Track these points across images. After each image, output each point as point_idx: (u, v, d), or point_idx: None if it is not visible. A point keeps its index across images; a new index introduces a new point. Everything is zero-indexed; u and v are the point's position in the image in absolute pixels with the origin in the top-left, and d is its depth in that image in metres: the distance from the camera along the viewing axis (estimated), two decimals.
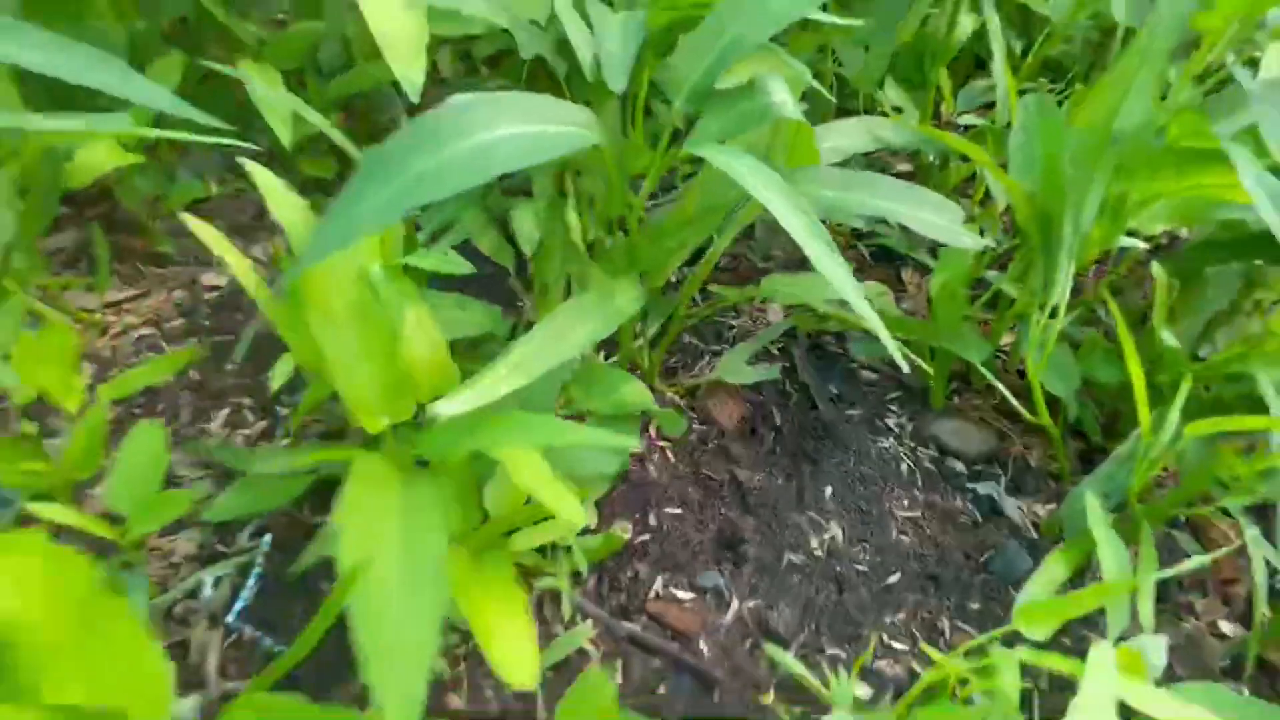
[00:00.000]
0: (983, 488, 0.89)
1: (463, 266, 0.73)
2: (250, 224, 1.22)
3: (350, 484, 0.49)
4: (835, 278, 0.51)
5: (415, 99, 0.87)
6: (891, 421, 0.95)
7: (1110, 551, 0.65)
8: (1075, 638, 0.76)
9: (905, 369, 0.59)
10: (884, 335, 0.54)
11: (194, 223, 0.67)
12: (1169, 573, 0.65)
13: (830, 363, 1.01)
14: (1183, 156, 0.71)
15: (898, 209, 0.67)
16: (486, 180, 0.51)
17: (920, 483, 0.89)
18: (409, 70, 0.91)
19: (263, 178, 0.64)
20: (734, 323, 1.05)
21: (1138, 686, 0.54)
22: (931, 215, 0.68)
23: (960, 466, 0.91)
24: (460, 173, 0.50)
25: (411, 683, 0.42)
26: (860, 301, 0.52)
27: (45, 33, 0.61)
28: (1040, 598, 0.68)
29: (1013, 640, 0.64)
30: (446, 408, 0.54)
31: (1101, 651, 0.54)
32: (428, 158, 0.50)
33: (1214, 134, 0.71)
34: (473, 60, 1.36)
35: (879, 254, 1.18)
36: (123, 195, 1.09)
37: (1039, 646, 0.67)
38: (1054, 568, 0.71)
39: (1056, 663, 0.56)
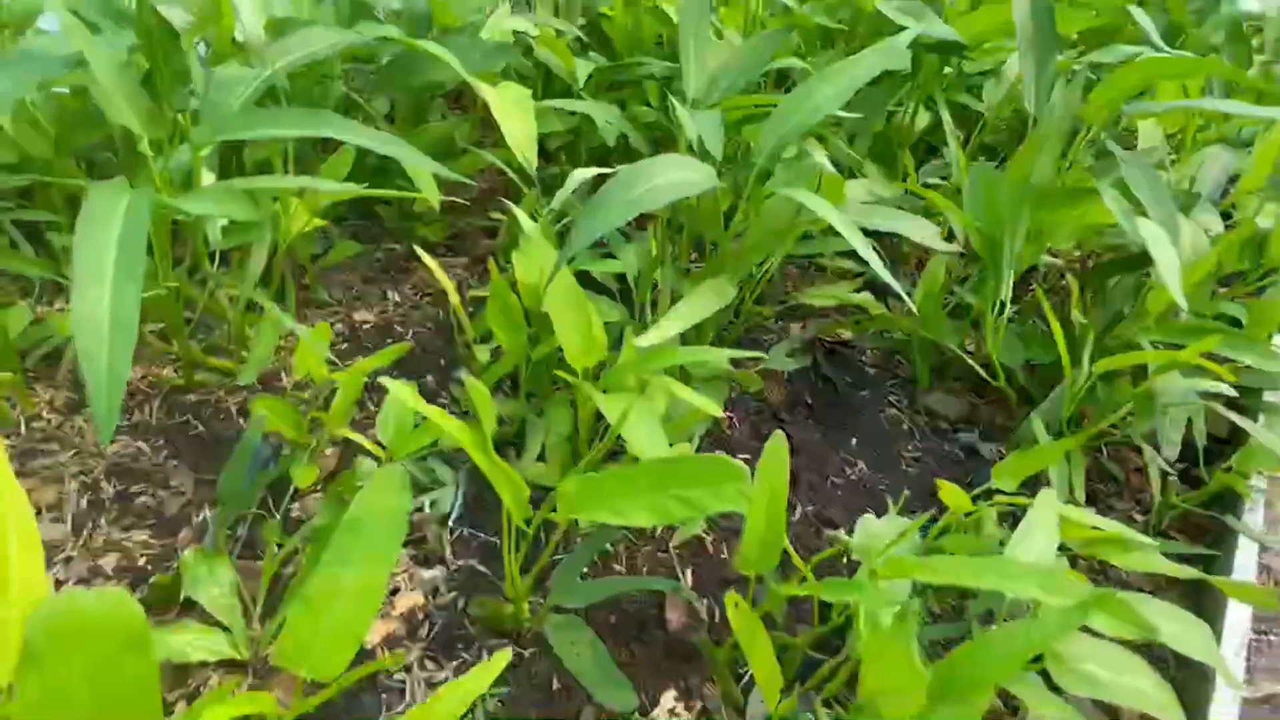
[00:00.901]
0: (963, 437, 1.23)
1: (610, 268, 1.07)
2: (379, 276, 1.55)
3: None
4: (868, 255, 0.87)
5: (532, 171, 1.23)
6: (893, 398, 1.30)
7: (1046, 439, 0.98)
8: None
9: (898, 288, 0.93)
10: (882, 270, 0.88)
11: (426, 257, 1.01)
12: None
13: (843, 360, 1.36)
14: (1074, 195, 1.09)
15: (899, 226, 1.03)
16: (664, 204, 0.86)
17: (918, 435, 1.23)
18: (528, 152, 1.28)
19: (521, 216, 0.98)
20: (771, 330, 1.40)
21: (1068, 508, 0.87)
22: (920, 230, 1.04)
23: (945, 425, 1.25)
24: (652, 199, 0.85)
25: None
26: (880, 267, 0.87)
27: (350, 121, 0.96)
28: (1007, 468, 1.01)
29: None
30: (644, 340, 0.87)
31: (1047, 492, 0.87)
32: (629, 191, 0.85)
33: (1093, 180, 1.09)
34: (545, 149, 1.74)
35: (879, 288, 1.55)
36: (299, 249, 1.41)
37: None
38: (1014, 459, 1.04)
39: (1021, 501, 0.89)
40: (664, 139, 1.47)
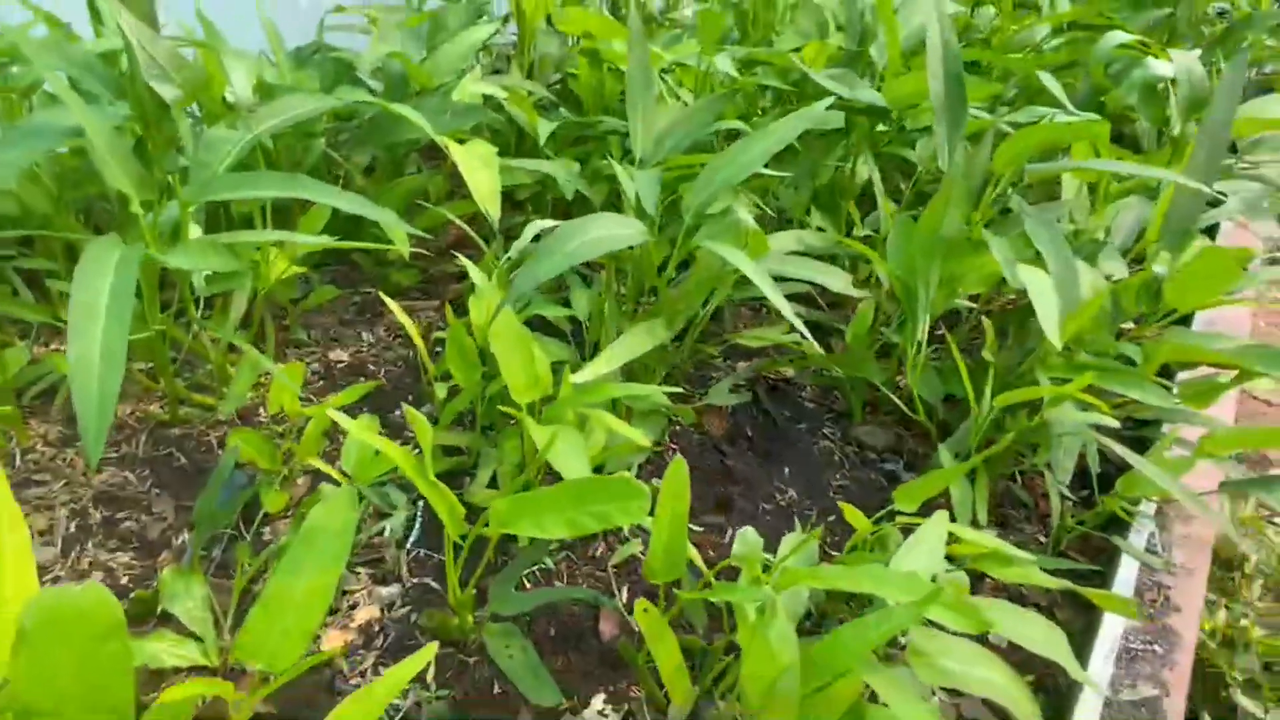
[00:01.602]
0: (888, 466, 1.33)
1: (561, 313, 1.17)
2: (355, 318, 1.66)
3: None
4: (779, 303, 0.98)
5: (495, 223, 1.35)
6: (826, 430, 1.40)
7: (951, 464, 1.08)
8: None
9: (805, 334, 1.03)
10: (794, 320, 0.99)
11: (391, 303, 1.12)
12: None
13: (782, 396, 1.47)
14: (977, 245, 1.21)
15: (813, 275, 1.15)
16: (598, 255, 0.97)
17: (847, 465, 1.33)
18: (490, 206, 1.39)
19: (474, 272, 1.09)
20: (719, 368, 1.50)
21: (957, 526, 0.96)
22: (832, 279, 1.16)
23: (873, 455, 1.36)
24: (586, 251, 0.96)
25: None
26: (789, 312, 0.98)
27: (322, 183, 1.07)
28: (908, 491, 1.10)
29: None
30: (579, 377, 0.98)
31: (941, 514, 0.97)
32: (569, 243, 0.96)
33: (994, 232, 1.21)
34: (515, 199, 1.87)
35: (814, 327, 1.66)
36: (279, 294, 1.52)
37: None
38: (914, 483, 1.13)
39: (919, 521, 0.99)
40: (621, 193, 1.60)
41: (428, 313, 1.67)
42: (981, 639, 0.79)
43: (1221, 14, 2.81)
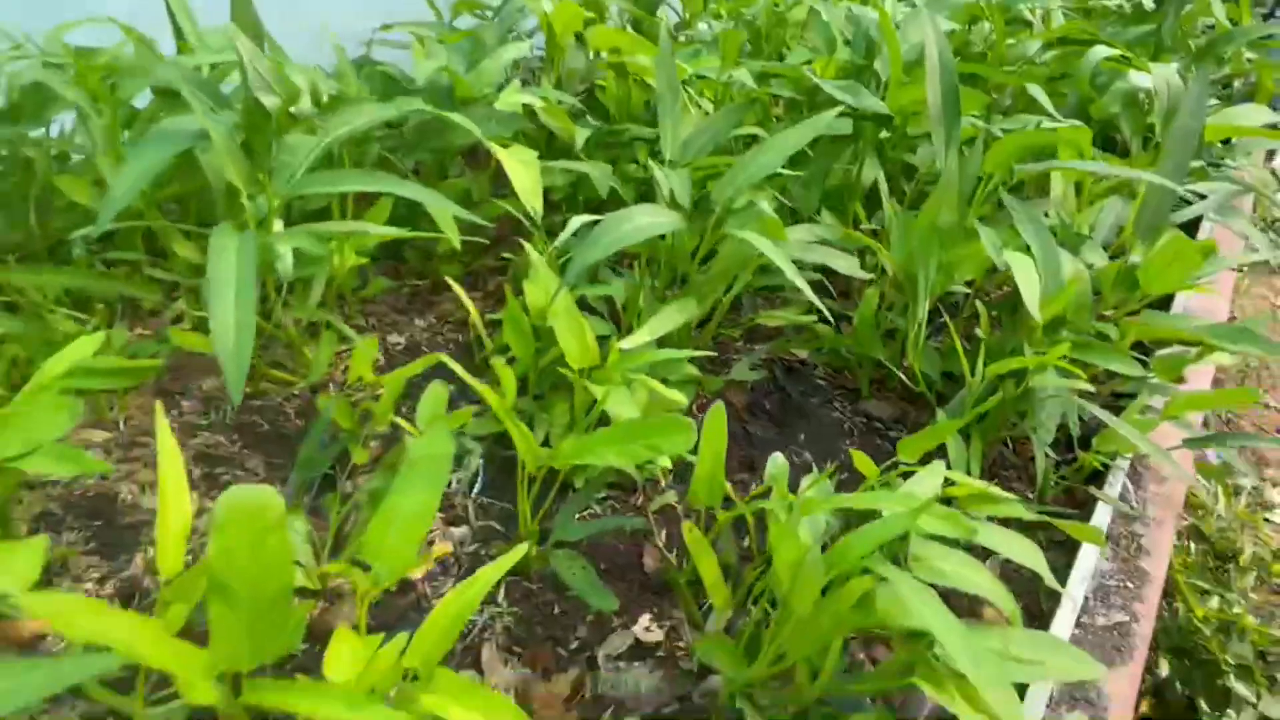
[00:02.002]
0: (893, 434, 1.48)
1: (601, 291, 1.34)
2: (406, 308, 1.82)
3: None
4: (797, 280, 1.13)
5: (538, 218, 1.51)
6: (837, 404, 1.56)
7: (944, 416, 1.24)
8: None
9: (820, 306, 1.20)
10: (810, 294, 1.15)
11: (456, 286, 1.28)
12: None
13: (797, 374, 1.62)
14: (970, 235, 1.37)
15: (824, 259, 1.31)
16: (642, 239, 1.13)
17: (856, 433, 1.48)
18: (534, 202, 1.55)
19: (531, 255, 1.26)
20: (739, 350, 1.66)
21: (952, 472, 1.12)
22: (840, 262, 1.32)
23: (880, 425, 1.51)
24: (634, 235, 1.12)
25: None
26: (806, 288, 1.14)
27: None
28: (909, 444, 1.25)
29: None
30: (627, 343, 1.14)
31: (938, 463, 1.12)
32: (619, 229, 1.12)
33: (987, 223, 1.37)
34: (549, 199, 2.03)
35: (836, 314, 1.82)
36: (343, 283, 1.68)
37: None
38: (915, 436, 1.28)
39: (919, 469, 1.14)
40: (648, 191, 1.76)
41: (476, 299, 1.83)
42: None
43: (1209, 28, 2.98)
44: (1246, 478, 1.81)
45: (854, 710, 0.92)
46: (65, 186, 1.53)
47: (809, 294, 1.14)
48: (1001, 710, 0.73)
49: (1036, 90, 1.66)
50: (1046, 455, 1.31)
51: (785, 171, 1.40)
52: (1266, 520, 1.96)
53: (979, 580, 0.88)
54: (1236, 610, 1.50)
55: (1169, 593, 1.56)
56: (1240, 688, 1.43)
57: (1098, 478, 1.36)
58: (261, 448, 1.37)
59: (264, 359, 1.55)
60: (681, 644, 1.07)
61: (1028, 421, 1.37)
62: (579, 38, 2.21)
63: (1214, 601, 1.55)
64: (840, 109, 1.39)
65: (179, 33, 1.67)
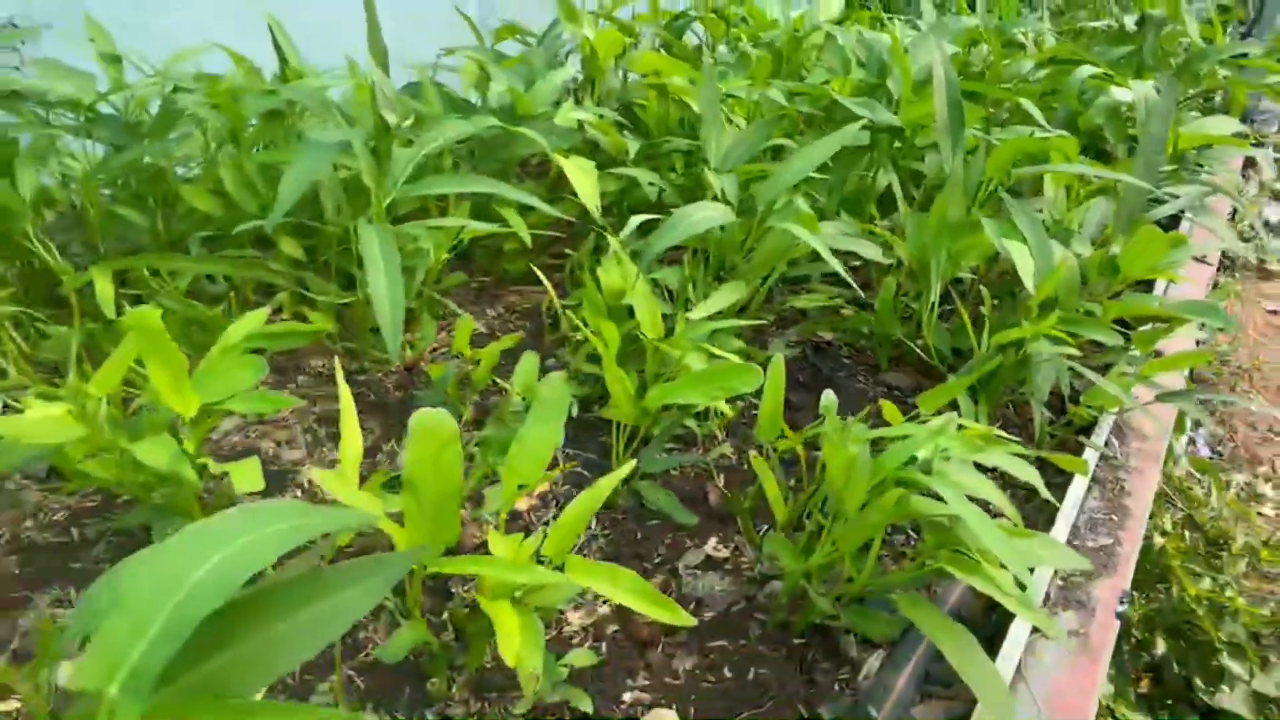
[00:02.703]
0: (911, 402, 1.72)
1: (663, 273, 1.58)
2: (476, 299, 2.06)
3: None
4: (830, 259, 1.37)
5: (599, 218, 1.75)
6: (860, 378, 1.79)
7: (955, 378, 1.47)
8: None
9: (854, 285, 1.43)
10: (841, 270, 1.39)
11: (541, 275, 1.52)
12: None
13: (825, 353, 1.86)
14: (974, 227, 1.61)
15: (852, 246, 1.55)
16: (702, 230, 1.37)
17: (878, 401, 1.72)
18: (593, 202, 1.79)
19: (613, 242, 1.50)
20: (774, 332, 1.90)
21: (963, 419, 1.35)
22: (866, 249, 1.56)
23: (899, 394, 1.75)
24: (696, 226, 1.36)
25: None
26: (838, 264, 1.37)
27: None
28: (927, 398, 1.48)
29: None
30: (695, 314, 1.37)
31: (951, 413, 1.36)
32: (683, 222, 1.36)
33: (988, 217, 1.61)
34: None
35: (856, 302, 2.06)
36: (427, 275, 1.92)
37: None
38: (931, 392, 1.51)
39: (935, 419, 1.37)
40: (691, 195, 2.00)
41: (535, 295, 2.08)
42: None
43: (1185, 47, 3.24)
44: (1202, 429, 2.02)
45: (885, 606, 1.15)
46: (187, 194, 1.77)
47: (843, 273, 1.38)
48: (1022, 578, 0.96)
49: (1029, 104, 1.90)
50: (1041, 412, 1.55)
51: (815, 176, 1.64)
52: (1259, 514, 2.17)
53: (988, 491, 1.11)
54: (1229, 592, 1.68)
55: (1163, 577, 1.75)
56: (1234, 666, 1.58)
57: (1085, 434, 1.59)
58: (372, 414, 1.61)
59: (368, 341, 1.79)
60: (744, 559, 1.30)
61: (1026, 386, 1.61)
62: (617, 61, 2.47)
63: (1206, 583, 1.73)
64: (861, 122, 1.63)
65: (283, 61, 1.92)
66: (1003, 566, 1.06)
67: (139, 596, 0.63)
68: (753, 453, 1.20)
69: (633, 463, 1.07)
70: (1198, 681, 1.61)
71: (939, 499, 1.04)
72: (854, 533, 1.06)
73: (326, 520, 0.75)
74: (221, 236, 1.86)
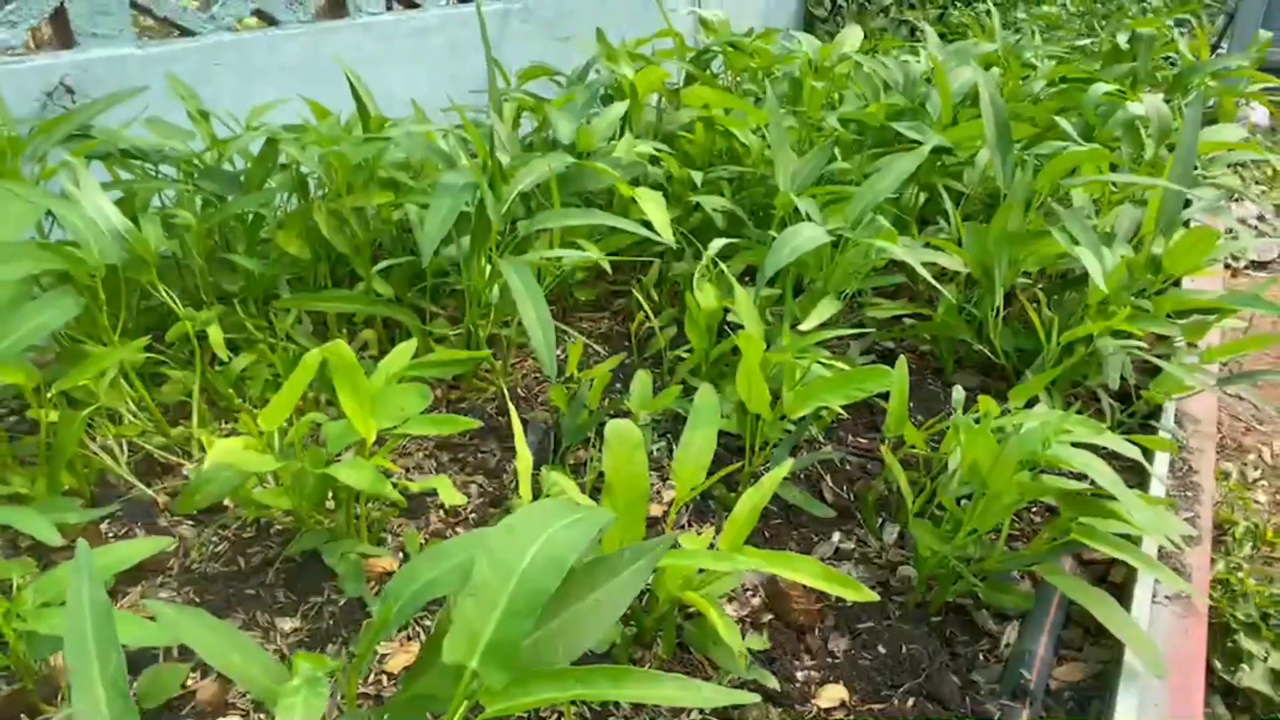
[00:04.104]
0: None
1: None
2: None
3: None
4: (916, 265, 1.50)
5: (671, 244, 1.86)
6: (929, 380, 1.92)
7: (1035, 374, 1.60)
8: None
9: (942, 290, 1.56)
10: (928, 276, 1.52)
11: (642, 299, 1.63)
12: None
13: (892, 359, 1.98)
14: (1035, 236, 1.75)
15: (929, 258, 1.68)
16: (805, 252, 1.49)
17: (950, 401, 1.84)
18: (666, 233, 1.91)
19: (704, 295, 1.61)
20: (834, 344, 2.02)
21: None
22: (943, 258, 1.69)
23: (968, 394, 1.87)
24: (801, 248, 1.48)
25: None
26: (922, 268, 1.50)
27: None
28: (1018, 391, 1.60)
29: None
30: (804, 326, 1.49)
31: (1042, 406, 1.48)
32: (790, 244, 1.48)
33: (1048, 225, 1.75)
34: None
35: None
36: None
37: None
38: (1020, 387, 1.63)
39: (1036, 410, 1.49)
40: (738, 220, 2.12)
41: (604, 319, 2.18)
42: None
43: (1170, 61, 3.46)
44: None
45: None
46: (280, 240, 1.86)
47: (929, 279, 1.51)
48: (1158, 536, 1.07)
49: (1063, 122, 2.06)
50: (1111, 402, 1.68)
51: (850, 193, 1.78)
52: (1256, 502, 2.32)
53: (1102, 470, 1.23)
54: (1239, 574, 1.81)
55: None
56: (1251, 645, 1.68)
57: (1151, 417, 1.73)
58: (484, 439, 1.69)
59: (466, 371, 1.87)
60: (869, 549, 1.41)
61: (1091, 378, 1.74)
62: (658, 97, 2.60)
63: (1220, 565, 1.84)
64: (932, 144, 1.77)
65: (363, 110, 2.02)
66: (1127, 539, 1.19)
67: (484, 584, 0.72)
68: (883, 447, 1.31)
69: (790, 462, 1.18)
70: (1216, 662, 1.71)
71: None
72: (993, 512, 1.17)
73: (596, 518, 0.84)
74: (303, 279, 1.95)
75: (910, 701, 1.15)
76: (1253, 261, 3.59)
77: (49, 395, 1.37)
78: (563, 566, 0.73)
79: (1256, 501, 2.34)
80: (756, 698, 0.77)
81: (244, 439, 1.23)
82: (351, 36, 2.74)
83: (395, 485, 1.25)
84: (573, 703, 1.09)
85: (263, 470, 1.16)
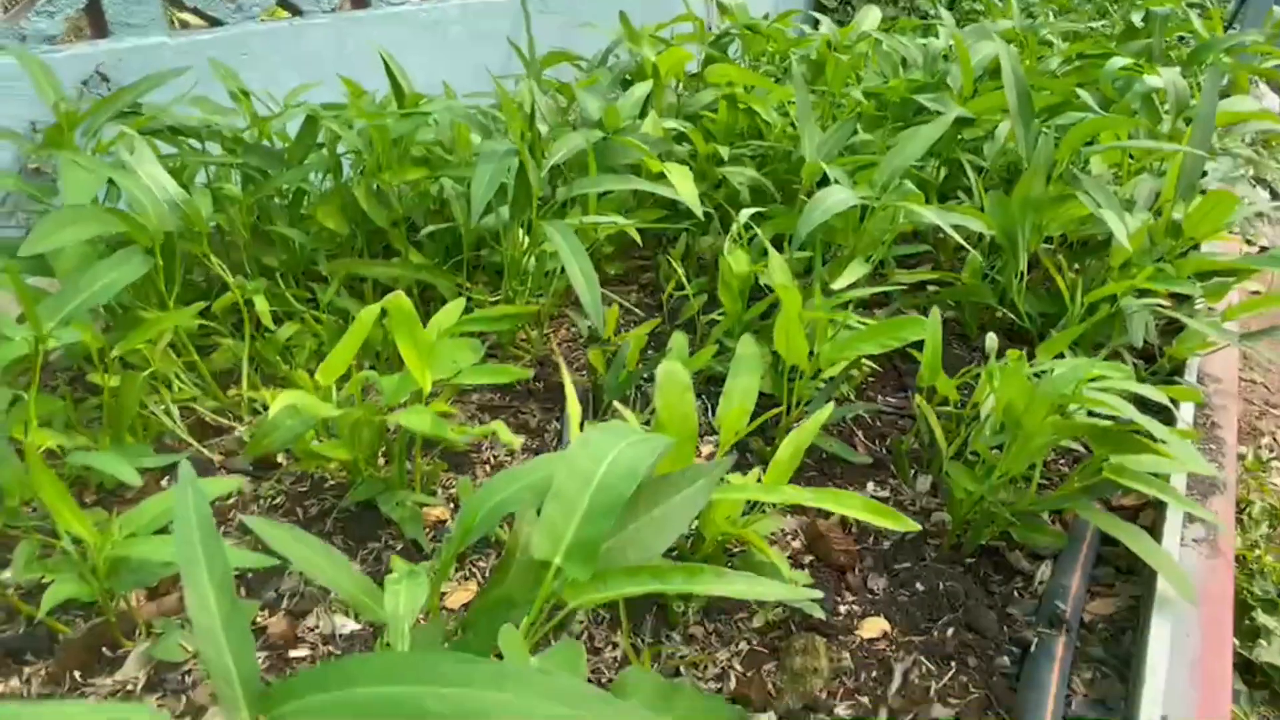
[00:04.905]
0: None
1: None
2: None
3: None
4: (944, 225, 1.54)
5: (700, 216, 1.91)
6: (954, 344, 1.96)
7: (1059, 332, 1.64)
8: None
9: (972, 251, 1.61)
10: (957, 237, 1.56)
11: (675, 265, 1.68)
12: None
13: None
14: (1058, 200, 1.79)
15: (956, 220, 1.73)
16: (836, 213, 1.54)
17: (973, 361, 1.89)
18: (693, 204, 1.95)
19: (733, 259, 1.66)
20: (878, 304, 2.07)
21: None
22: (970, 222, 1.74)
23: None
24: (832, 209, 1.53)
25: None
26: (956, 235, 1.54)
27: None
28: (1045, 348, 1.64)
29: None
30: (837, 285, 1.53)
31: (1071, 356, 1.52)
32: (820, 206, 1.53)
33: (1070, 189, 1.79)
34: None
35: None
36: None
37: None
38: (1046, 343, 1.68)
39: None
40: (761, 194, 2.17)
41: (633, 293, 2.23)
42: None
43: (1182, 39, 3.49)
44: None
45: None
46: (320, 214, 1.92)
47: (959, 240, 1.56)
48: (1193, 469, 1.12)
49: (1085, 94, 2.11)
50: (1134, 363, 1.72)
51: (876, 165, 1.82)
52: (1271, 483, 2.35)
53: (1130, 411, 1.28)
54: (1257, 552, 1.84)
55: None
56: (1268, 620, 1.72)
57: (1170, 380, 1.77)
58: (523, 401, 1.75)
59: (507, 334, 1.93)
60: (903, 497, 1.46)
61: (1115, 339, 1.78)
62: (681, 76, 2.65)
63: (1236, 540, 1.87)
64: (955, 114, 1.81)
65: (398, 89, 2.08)
66: (1157, 479, 1.23)
67: (565, 490, 0.77)
68: (918, 397, 1.36)
69: (831, 406, 1.23)
70: (1234, 641, 1.74)
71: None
72: (1027, 453, 1.22)
73: (659, 439, 0.89)
74: (337, 255, 2.00)
75: (950, 631, 1.19)
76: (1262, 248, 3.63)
77: (109, 357, 1.43)
78: (636, 474, 0.78)
79: (1272, 484, 2.38)
80: (820, 594, 0.82)
81: (302, 392, 1.28)
82: (374, 26, 2.80)
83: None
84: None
85: (326, 415, 1.22)
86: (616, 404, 1.15)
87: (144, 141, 1.56)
